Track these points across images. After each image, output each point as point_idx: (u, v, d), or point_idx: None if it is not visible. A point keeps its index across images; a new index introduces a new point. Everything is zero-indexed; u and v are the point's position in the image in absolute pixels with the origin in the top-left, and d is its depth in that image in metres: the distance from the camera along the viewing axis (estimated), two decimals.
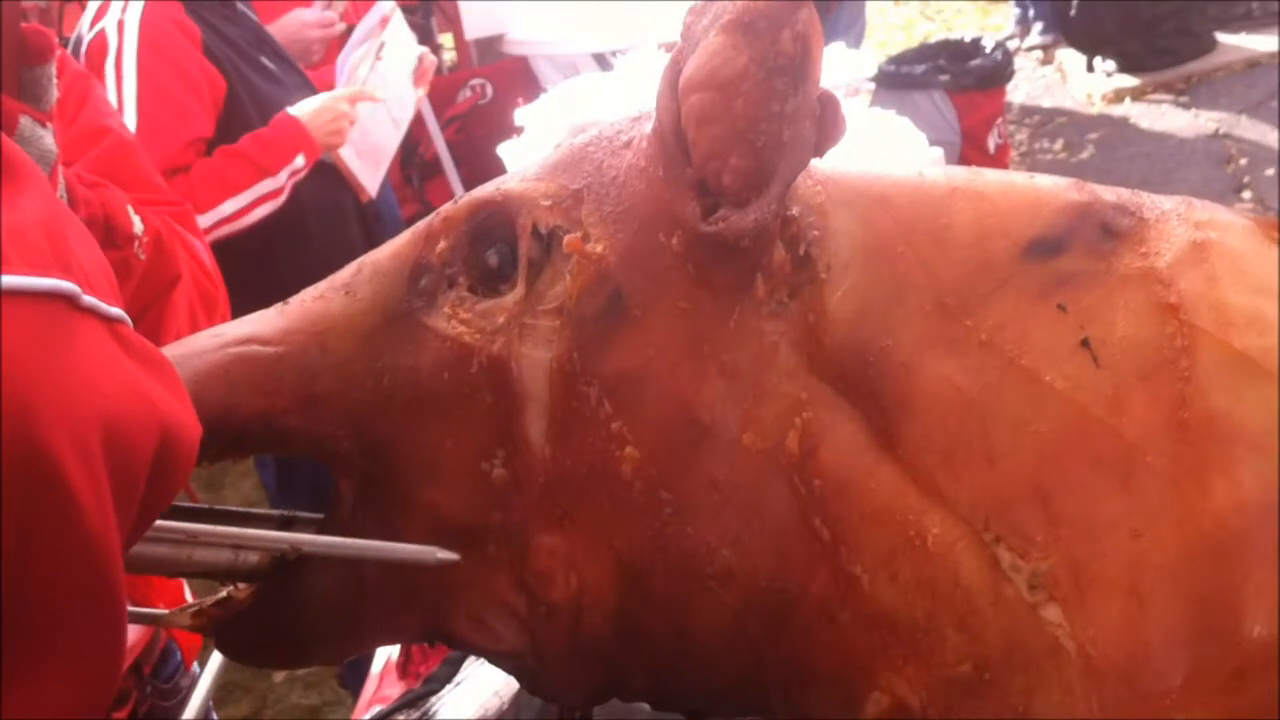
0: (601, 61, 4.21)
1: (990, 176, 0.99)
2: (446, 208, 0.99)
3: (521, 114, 3.29)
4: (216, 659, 1.12)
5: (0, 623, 0.60)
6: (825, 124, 0.90)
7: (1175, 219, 0.94)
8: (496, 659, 1.01)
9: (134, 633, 1.52)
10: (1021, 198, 0.95)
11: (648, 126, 0.95)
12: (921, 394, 0.87)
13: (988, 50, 5.59)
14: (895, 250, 0.91)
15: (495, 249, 0.95)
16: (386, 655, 1.87)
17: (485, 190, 0.99)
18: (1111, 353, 0.86)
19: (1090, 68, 6.76)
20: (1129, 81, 6.54)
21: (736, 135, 0.85)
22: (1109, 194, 0.96)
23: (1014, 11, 7.95)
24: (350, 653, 1.05)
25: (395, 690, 1.73)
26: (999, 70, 5.46)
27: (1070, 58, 7.02)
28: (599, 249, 0.91)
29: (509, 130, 3.43)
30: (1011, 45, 6.78)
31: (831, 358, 0.89)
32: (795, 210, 0.92)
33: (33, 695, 0.63)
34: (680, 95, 0.88)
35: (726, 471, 0.88)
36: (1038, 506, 0.84)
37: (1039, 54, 7.48)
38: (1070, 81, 6.93)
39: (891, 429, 0.87)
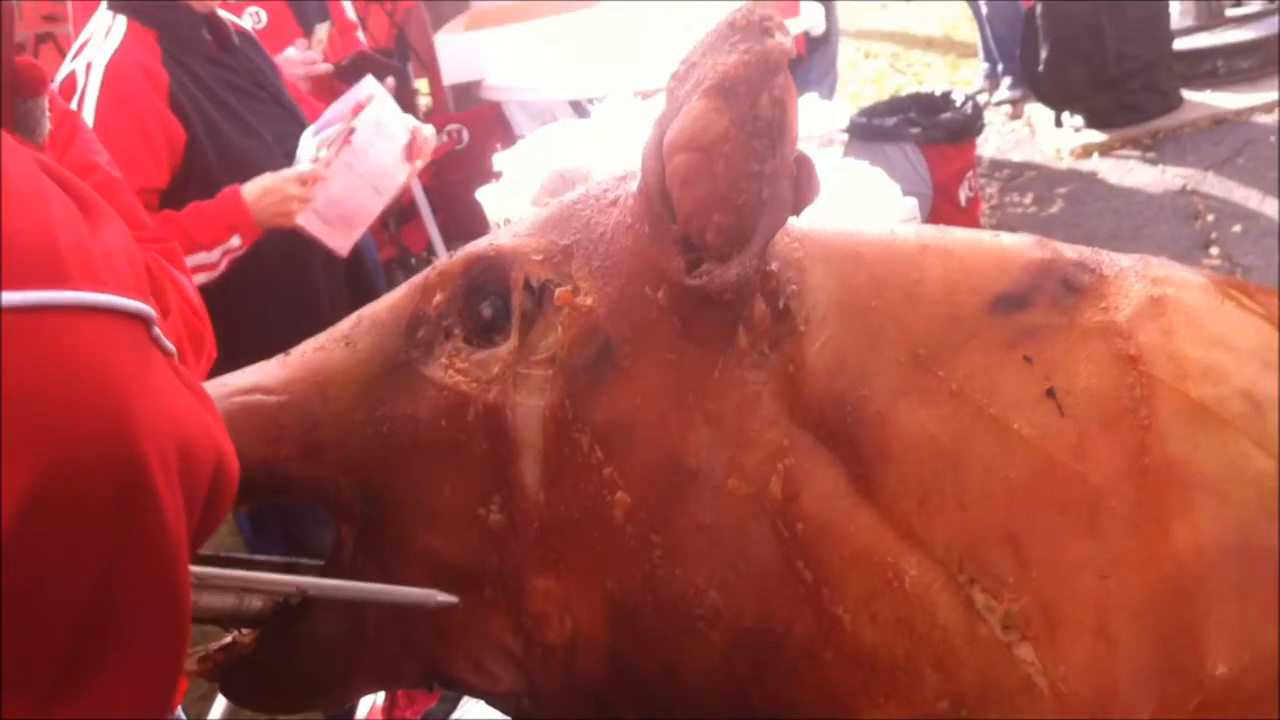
0: (577, 108, 4.27)
1: (958, 235, 1.04)
2: (441, 262, 1.04)
3: (500, 159, 3.33)
4: (220, 704, 1.15)
5: (93, 613, 0.65)
6: (801, 184, 0.95)
7: (1133, 275, 0.99)
8: (493, 700, 1.04)
9: None
10: (987, 255, 1.00)
11: (633, 185, 1.00)
12: (897, 442, 0.91)
13: (958, 104, 5.66)
14: (869, 304, 0.96)
15: (489, 301, 0.99)
16: (372, 701, 1.90)
17: (479, 245, 1.03)
18: (1075, 402, 0.91)
19: (1059, 123, 6.84)
20: (1097, 137, 6.62)
21: (718, 194, 0.90)
22: (1070, 251, 1.01)
23: (982, 67, 8.04)
24: (351, 697, 1.08)
25: None
26: (969, 124, 5.54)
27: (1039, 113, 7.10)
28: (589, 301, 0.96)
29: (485, 175, 3.47)
30: (981, 100, 6.86)
31: (811, 406, 0.93)
32: (774, 266, 0.97)
33: (114, 686, 0.68)
34: (665, 156, 0.93)
35: (713, 515, 0.92)
36: (1009, 549, 0.88)
37: (1008, 108, 7.56)
38: (1039, 136, 7.02)
39: (869, 475, 0.91)
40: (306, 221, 2.95)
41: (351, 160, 2.99)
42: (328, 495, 0.99)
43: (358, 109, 2.94)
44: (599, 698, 0.98)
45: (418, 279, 1.04)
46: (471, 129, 5.94)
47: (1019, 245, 1.02)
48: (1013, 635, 0.88)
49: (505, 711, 1.06)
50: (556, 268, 0.98)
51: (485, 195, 3.31)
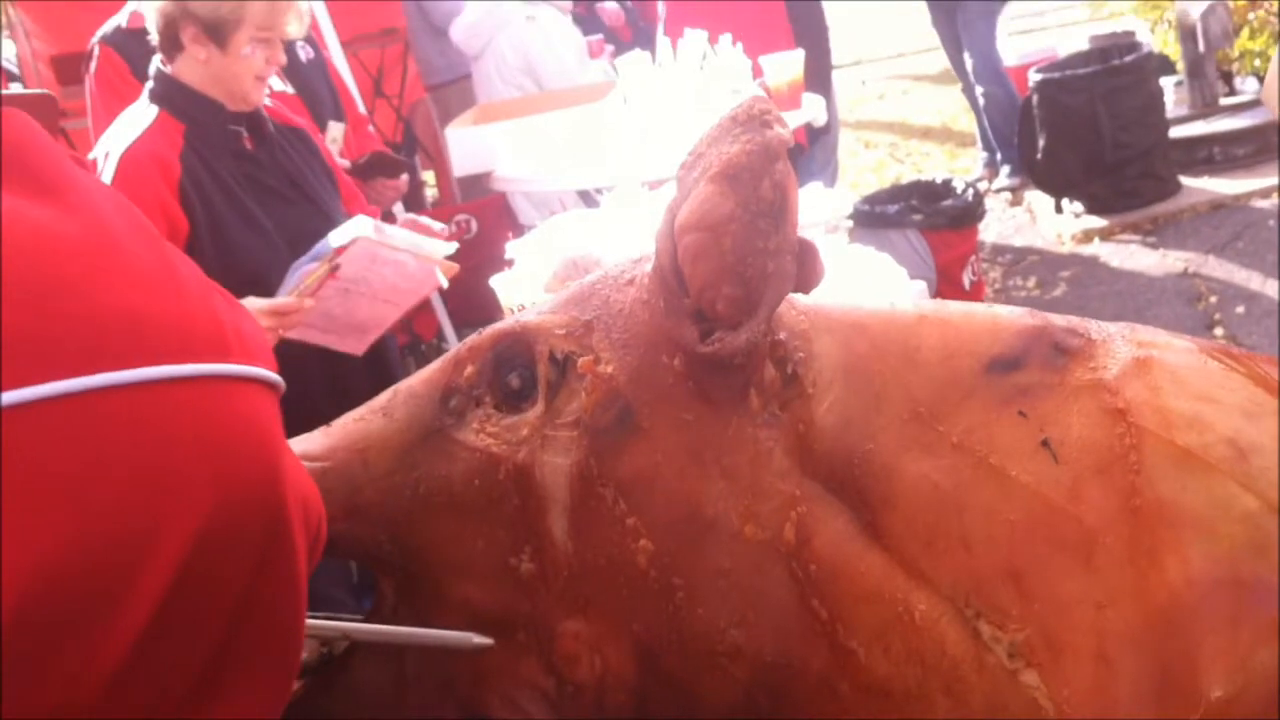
0: (586, 198, 4.37)
1: (953, 306, 1.11)
2: (470, 339, 1.11)
3: (512, 247, 3.42)
4: None
5: (231, 631, 0.74)
6: (805, 266, 1.02)
7: (1120, 339, 1.06)
8: None
9: None
10: (982, 323, 1.08)
11: (648, 266, 1.08)
12: (903, 490, 0.98)
13: (959, 191, 5.78)
14: (872, 369, 1.03)
15: (517, 372, 1.06)
16: None
17: (506, 324, 1.11)
18: (1069, 451, 0.97)
19: (1059, 209, 6.96)
20: (1097, 222, 6.72)
21: (727, 269, 0.98)
22: (1059, 319, 1.09)
23: (981, 155, 8.19)
24: None
25: None
26: (971, 210, 5.64)
27: (1039, 199, 7.21)
28: (609, 370, 1.03)
29: (494, 263, 3.55)
30: (981, 187, 6.99)
31: (821, 461, 1.00)
32: (783, 335, 1.04)
33: (241, 700, 0.77)
34: (676, 236, 1.01)
35: (731, 560, 0.98)
36: (1012, 585, 0.95)
37: (1008, 195, 7.69)
38: (1040, 222, 7.13)
39: (877, 521, 0.98)
40: (302, 334, 3.01)
41: (348, 285, 3.02)
42: (369, 552, 1.06)
43: (339, 251, 2.94)
44: None
45: (449, 355, 1.12)
46: (479, 219, 6.07)
47: (1011, 314, 1.09)
48: (1018, 663, 0.94)
49: None
50: (579, 341, 1.06)
51: (499, 283, 3.38)
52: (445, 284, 3.28)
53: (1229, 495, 0.95)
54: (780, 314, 1.03)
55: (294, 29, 3.02)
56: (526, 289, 3.21)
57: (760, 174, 0.97)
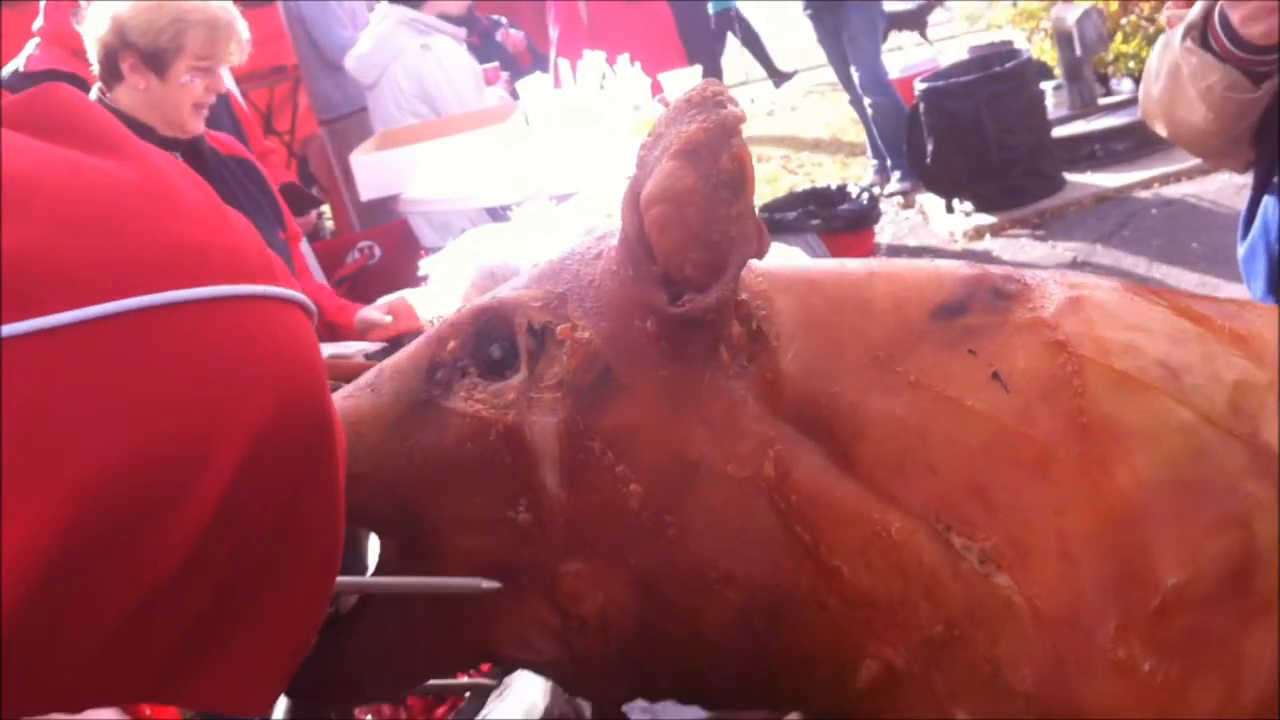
0: (495, 215, 4.41)
1: (898, 263, 1.21)
2: (450, 316, 1.18)
3: (426, 264, 3.48)
4: (283, 704, 1.25)
5: (283, 527, 0.80)
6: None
7: (1052, 283, 1.16)
8: (541, 669, 1.18)
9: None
10: (926, 275, 1.17)
11: (613, 240, 1.15)
12: (869, 425, 1.06)
13: (854, 196, 5.93)
14: (830, 321, 1.12)
15: (498, 344, 1.13)
16: None
17: (484, 299, 1.17)
18: (1018, 381, 1.07)
19: (950, 209, 7.15)
20: (987, 219, 6.91)
21: (693, 236, 1.05)
22: (996, 269, 1.18)
23: (871, 163, 8.37)
24: (406, 688, 1.21)
25: None
26: (866, 213, 5.81)
27: (930, 200, 7.40)
28: (586, 335, 1.10)
29: (400, 285, 3.63)
30: (875, 192, 7.15)
31: (790, 404, 1.08)
32: (745, 296, 1.12)
33: (290, 597, 0.84)
34: (642, 209, 1.08)
35: (717, 496, 1.06)
36: (977, 499, 1.04)
37: (899, 199, 7.87)
38: (932, 221, 7.31)
39: (848, 454, 1.06)
40: None
41: None
42: (370, 517, 1.11)
43: None
44: (634, 660, 1.11)
45: (431, 331, 1.18)
46: (382, 245, 6.09)
47: (951, 266, 1.18)
48: (989, 567, 1.03)
49: (553, 679, 1.20)
50: (554, 311, 1.12)
51: (415, 297, 3.45)
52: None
53: (1166, 410, 1.05)
54: (740, 278, 1.10)
55: (235, 58, 3.03)
56: (444, 301, 3.28)
57: (719, 148, 1.04)
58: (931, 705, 1.06)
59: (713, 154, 1.04)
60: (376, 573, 1.15)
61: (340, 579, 1.05)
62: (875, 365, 1.09)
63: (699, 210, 1.05)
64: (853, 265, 1.20)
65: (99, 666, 0.77)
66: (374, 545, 1.28)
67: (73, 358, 0.71)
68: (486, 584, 1.07)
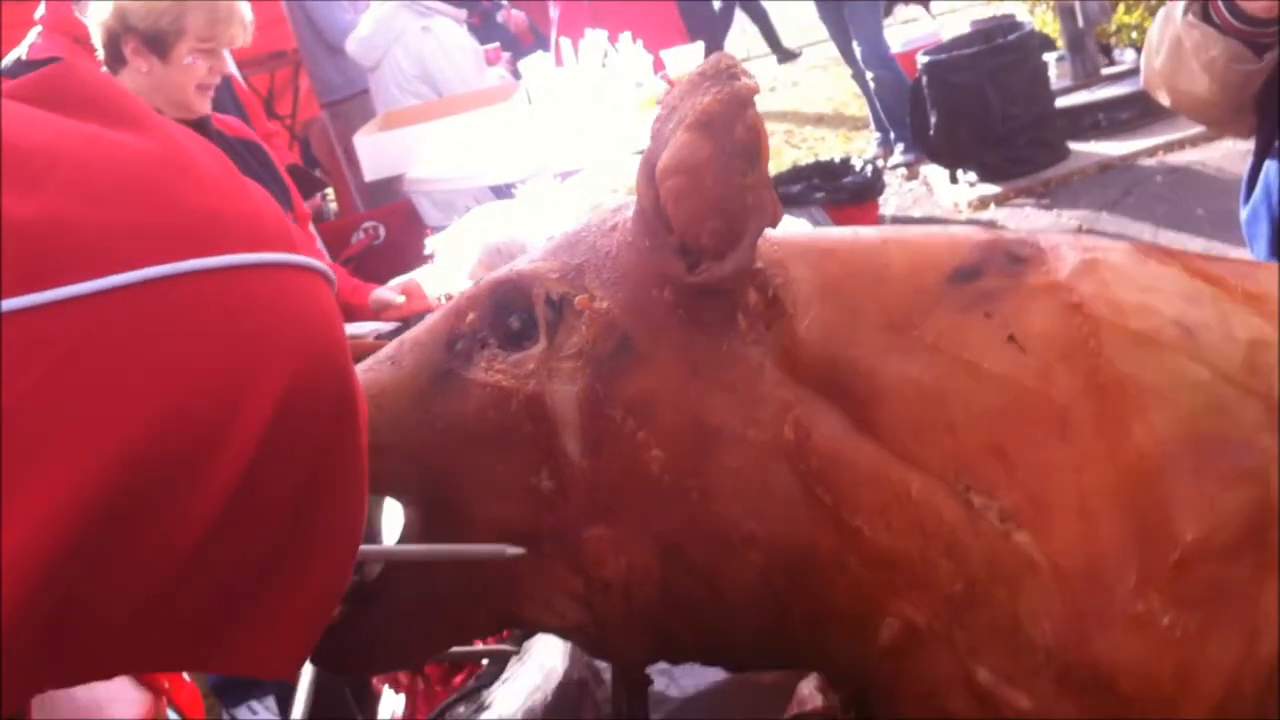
0: (500, 193, 4.42)
1: (912, 229, 1.22)
2: (468, 289, 1.19)
3: (431, 242, 3.49)
4: (308, 671, 1.27)
5: (309, 488, 0.81)
6: None
7: (1066, 246, 1.17)
8: (565, 633, 1.20)
9: (140, 710, 1.65)
10: (940, 240, 1.18)
11: (628, 212, 1.16)
12: (887, 388, 1.07)
13: (858, 168, 5.92)
14: (845, 288, 1.13)
15: (517, 315, 1.14)
16: (391, 711, 2.01)
17: (501, 272, 1.18)
18: (1034, 342, 1.07)
19: (954, 179, 7.13)
20: (991, 189, 6.89)
21: (709, 205, 1.06)
22: (1010, 233, 1.19)
23: (874, 136, 8.35)
24: (429, 655, 1.23)
25: None
26: (871, 185, 5.79)
27: (934, 172, 7.38)
28: (604, 305, 1.11)
29: (405, 265, 3.63)
30: (878, 164, 7.14)
31: (809, 370, 1.09)
32: (760, 264, 1.13)
33: (319, 555, 0.85)
34: (658, 181, 1.09)
35: (738, 460, 1.07)
36: (996, 459, 1.05)
37: (903, 171, 7.85)
38: (937, 193, 7.30)
39: (867, 417, 1.07)
40: None
41: None
42: (393, 486, 1.13)
43: None
44: (656, 622, 1.12)
45: (449, 305, 1.19)
46: (387, 225, 6.10)
47: (966, 231, 1.20)
48: (1009, 525, 1.04)
49: (577, 642, 1.21)
50: (571, 282, 1.13)
51: (422, 276, 3.46)
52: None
53: (1181, 367, 1.06)
54: (756, 246, 1.11)
55: (239, 39, 3.03)
56: (451, 279, 3.28)
57: (733, 119, 1.05)
58: (952, 662, 1.07)
59: (727, 125, 1.05)
60: (400, 542, 1.16)
61: (364, 547, 1.06)
62: (892, 329, 1.10)
63: (715, 180, 1.06)
64: (867, 232, 1.21)
65: (129, 634, 0.78)
66: (388, 515, 1.29)
67: (96, 327, 0.72)
68: (511, 550, 1.08)
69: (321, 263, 0.85)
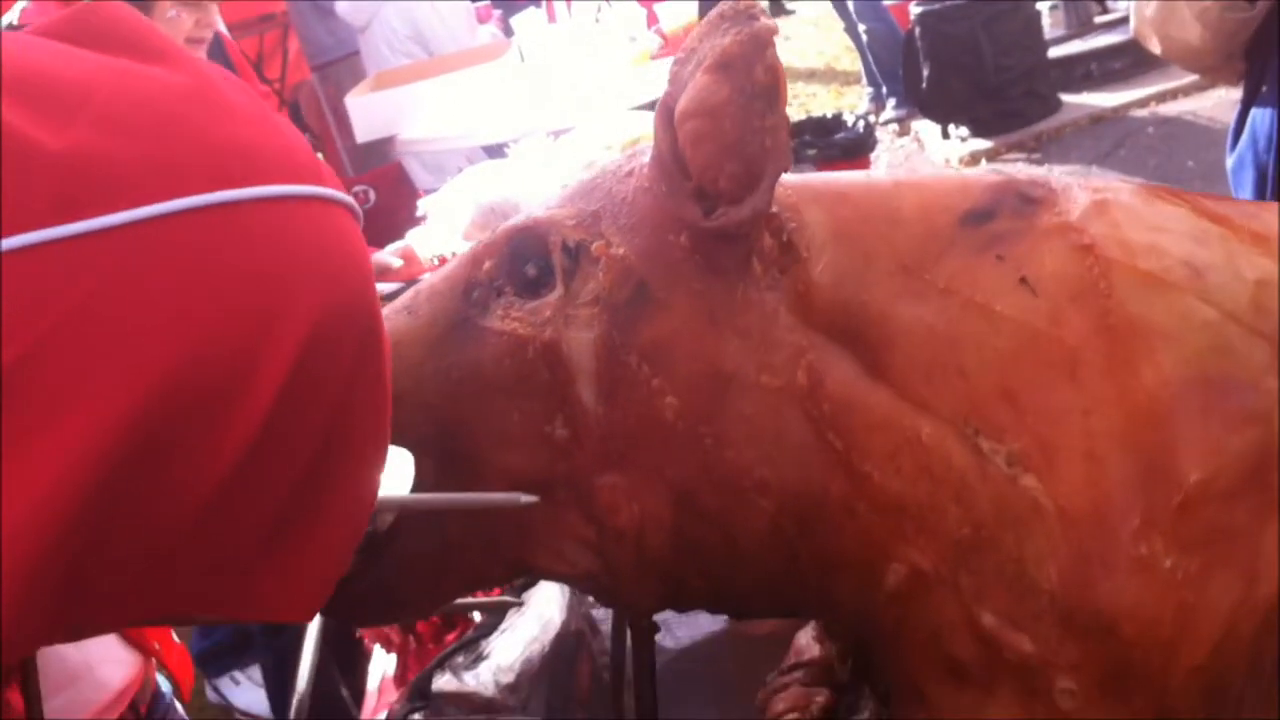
0: (493, 153, 4.41)
1: (924, 172, 1.23)
2: (485, 238, 1.19)
3: (425, 203, 3.48)
4: (315, 623, 1.27)
5: (338, 418, 0.82)
6: None
7: (1077, 187, 1.18)
8: (575, 581, 1.21)
9: (130, 670, 1.66)
10: (952, 183, 1.18)
11: (644, 158, 1.16)
12: (900, 332, 1.08)
13: (850, 124, 5.91)
14: (858, 231, 1.13)
15: (533, 263, 1.14)
16: (382, 672, 2.03)
17: (517, 220, 1.19)
18: (1045, 284, 1.08)
19: (946, 135, 7.15)
20: (983, 144, 6.92)
21: (728, 148, 1.06)
22: (1021, 175, 1.19)
23: (866, 91, 8.35)
24: (441, 603, 1.24)
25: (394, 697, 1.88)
26: (863, 141, 5.78)
27: (926, 127, 7.40)
28: (621, 251, 1.11)
29: (395, 229, 3.63)
30: (870, 120, 7.14)
31: (822, 314, 1.10)
32: (775, 209, 1.13)
33: (345, 486, 0.86)
34: (676, 124, 1.09)
35: (752, 406, 1.08)
36: (1005, 403, 1.06)
37: (895, 127, 7.86)
38: (928, 149, 7.31)
39: (879, 361, 1.08)
40: None
41: None
42: (407, 435, 1.13)
43: None
44: (668, 570, 1.13)
45: (465, 253, 1.19)
46: (377, 188, 6.08)
47: (977, 173, 1.20)
48: (1017, 469, 1.05)
49: (588, 591, 1.22)
50: (588, 229, 1.14)
51: (415, 237, 3.45)
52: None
53: (1190, 308, 1.07)
54: (773, 190, 1.11)
55: None
56: (445, 240, 3.29)
57: (753, 60, 1.05)
58: (958, 606, 1.08)
59: (747, 66, 1.05)
60: (413, 491, 1.17)
61: (381, 495, 1.07)
62: (904, 273, 1.11)
63: (734, 123, 1.05)
64: (879, 176, 1.22)
65: (147, 581, 0.79)
66: (397, 466, 1.30)
67: (126, 258, 0.72)
68: (525, 498, 1.09)
69: (348, 197, 0.86)
